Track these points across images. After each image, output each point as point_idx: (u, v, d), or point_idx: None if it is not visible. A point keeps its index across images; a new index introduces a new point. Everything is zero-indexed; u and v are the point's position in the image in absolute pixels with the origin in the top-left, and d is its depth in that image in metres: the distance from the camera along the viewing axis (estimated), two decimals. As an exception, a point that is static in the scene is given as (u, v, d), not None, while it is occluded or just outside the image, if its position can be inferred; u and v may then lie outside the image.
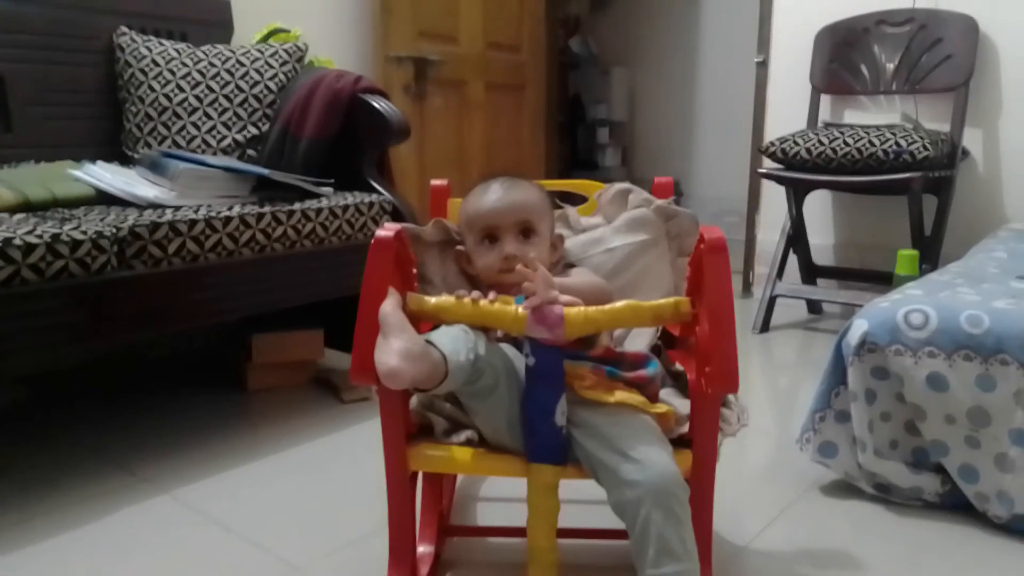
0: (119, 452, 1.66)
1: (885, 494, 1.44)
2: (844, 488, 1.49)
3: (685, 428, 1.03)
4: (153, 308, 1.54)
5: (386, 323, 0.91)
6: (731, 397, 1.13)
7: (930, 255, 2.48)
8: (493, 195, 1.16)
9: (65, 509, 1.42)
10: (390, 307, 0.93)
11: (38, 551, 1.29)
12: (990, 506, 1.33)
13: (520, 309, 0.95)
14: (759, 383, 2.28)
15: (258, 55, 2.13)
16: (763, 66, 3.08)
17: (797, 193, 2.72)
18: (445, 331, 0.96)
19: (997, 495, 1.32)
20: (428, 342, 0.91)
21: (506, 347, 1.04)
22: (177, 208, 1.63)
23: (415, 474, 1.07)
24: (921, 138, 2.32)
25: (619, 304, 0.98)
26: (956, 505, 1.38)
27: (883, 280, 2.34)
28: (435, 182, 1.38)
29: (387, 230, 1.00)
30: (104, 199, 1.70)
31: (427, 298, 1.00)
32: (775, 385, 2.30)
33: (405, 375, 0.87)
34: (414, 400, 1.08)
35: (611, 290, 1.15)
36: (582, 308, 0.97)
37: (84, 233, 1.41)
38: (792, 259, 2.81)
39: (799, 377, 2.36)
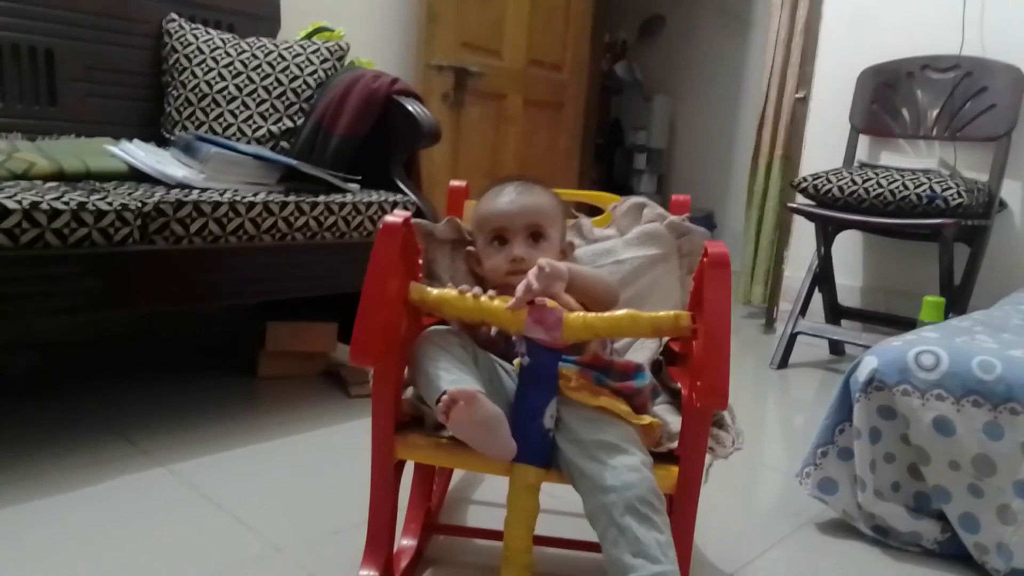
0: (123, 423, 1.68)
1: (883, 537, 1.40)
2: (842, 527, 1.45)
3: (675, 444, 1.02)
4: (170, 283, 1.58)
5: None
6: (728, 419, 1.12)
7: (958, 305, 2.44)
8: (505, 198, 1.17)
9: (62, 472, 1.45)
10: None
11: (29, 510, 1.31)
12: (989, 558, 1.29)
13: (509, 304, 0.96)
14: (772, 418, 2.25)
15: (300, 51, 2.17)
16: (803, 103, 3.07)
17: (827, 231, 2.69)
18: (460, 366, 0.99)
19: (997, 547, 1.28)
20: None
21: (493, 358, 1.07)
22: (204, 190, 1.66)
23: (401, 464, 1.07)
24: (956, 185, 2.29)
25: (618, 312, 0.98)
26: (955, 554, 1.35)
27: (908, 326, 2.28)
28: (454, 183, 1.39)
29: (396, 216, 1.01)
30: (136, 176, 1.74)
31: (430, 289, 1.02)
32: (788, 421, 2.26)
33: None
34: (410, 391, 1.09)
35: (618, 293, 1.15)
36: (581, 313, 0.98)
37: (110, 204, 1.44)
38: (817, 298, 2.78)
39: (813, 415, 2.31)
